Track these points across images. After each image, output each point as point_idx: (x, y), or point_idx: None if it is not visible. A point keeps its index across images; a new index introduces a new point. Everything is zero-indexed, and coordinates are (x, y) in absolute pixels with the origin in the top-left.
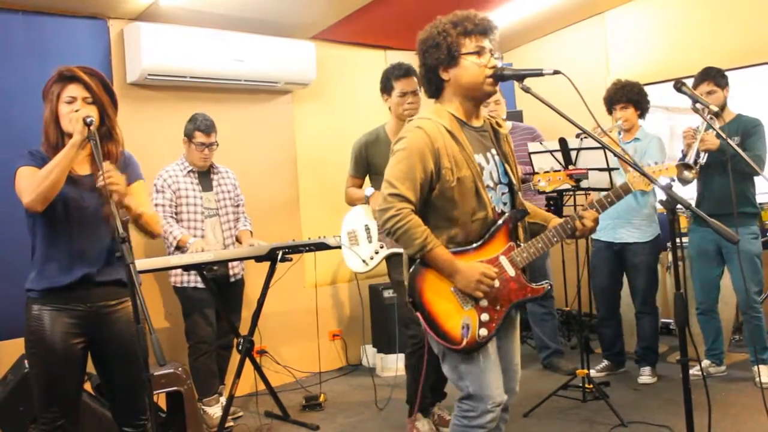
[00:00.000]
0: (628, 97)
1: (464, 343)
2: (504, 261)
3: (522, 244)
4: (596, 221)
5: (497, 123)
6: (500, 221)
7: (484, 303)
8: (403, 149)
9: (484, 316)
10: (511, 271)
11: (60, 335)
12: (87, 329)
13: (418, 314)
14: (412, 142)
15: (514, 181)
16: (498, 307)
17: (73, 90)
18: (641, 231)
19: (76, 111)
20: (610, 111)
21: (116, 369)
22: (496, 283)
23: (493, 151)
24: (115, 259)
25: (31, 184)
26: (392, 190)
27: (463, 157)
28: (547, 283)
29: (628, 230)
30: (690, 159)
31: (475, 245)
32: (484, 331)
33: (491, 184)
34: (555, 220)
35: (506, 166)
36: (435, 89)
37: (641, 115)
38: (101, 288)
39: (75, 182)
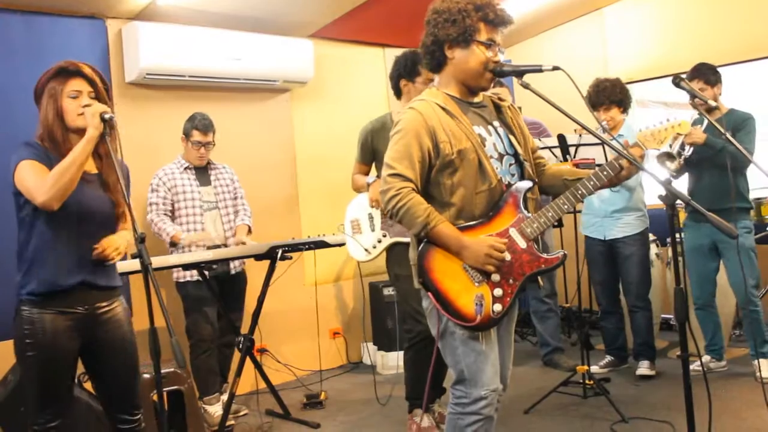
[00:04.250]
0: (610, 99)
1: (478, 319)
2: (514, 233)
3: (531, 215)
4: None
5: (499, 98)
6: (507, 193)
7: (496, 278)
8: (399, 131)
9: (498, 291)
10: (522, 243)
11: (57, 339)
12: (83, 332)
13: (429, 294)
14: (406, 123)
15: (521, 152)
16: (511, 281)
17: (77, 84)
18: (630, 226)
19: (86, 105)
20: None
21: (109, 366)
22: (507, 256)
23: (496, 123)
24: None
25: (45, 182)
26: (391, 171)
27: (461, 129)
28: (561, 252)
29: (617, 227)
30: (674, 150)
31: (482, 219)
32: (498, 307)
33: (495, 156)
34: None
35: (511, 137)
36: (436, 64)
37: (624, 111)
38: (99, 290)
39: (87, 181)
